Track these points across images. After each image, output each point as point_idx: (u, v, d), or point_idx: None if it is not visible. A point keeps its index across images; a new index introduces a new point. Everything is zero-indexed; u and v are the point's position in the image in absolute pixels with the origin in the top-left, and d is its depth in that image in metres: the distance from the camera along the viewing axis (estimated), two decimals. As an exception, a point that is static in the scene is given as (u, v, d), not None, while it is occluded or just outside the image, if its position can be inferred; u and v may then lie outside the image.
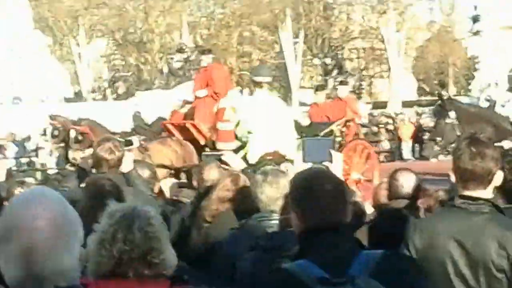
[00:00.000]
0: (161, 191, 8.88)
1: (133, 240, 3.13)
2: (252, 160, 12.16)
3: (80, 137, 15.50)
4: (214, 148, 14.68)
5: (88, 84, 47.65)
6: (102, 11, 58.45)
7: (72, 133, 15.54)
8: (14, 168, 23.70)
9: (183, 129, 15.31)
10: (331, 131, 16.46)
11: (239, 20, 61.10)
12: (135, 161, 7.12)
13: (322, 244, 3.42)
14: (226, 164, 6.93)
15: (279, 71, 56.71)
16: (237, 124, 12.74)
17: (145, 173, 7.52)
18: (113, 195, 5.39)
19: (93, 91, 44.11)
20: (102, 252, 3.10)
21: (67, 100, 42.25)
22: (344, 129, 17.27)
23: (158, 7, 59.24)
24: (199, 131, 15.05)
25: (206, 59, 16.18)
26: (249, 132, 12.38)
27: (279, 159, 12.05)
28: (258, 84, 12.98)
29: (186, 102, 16.22)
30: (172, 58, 43.71)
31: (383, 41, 56.62)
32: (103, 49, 60.26)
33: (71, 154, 15.45)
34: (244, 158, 12.33)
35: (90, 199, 5.45)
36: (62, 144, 15.70)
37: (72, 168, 14.36)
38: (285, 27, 52.97)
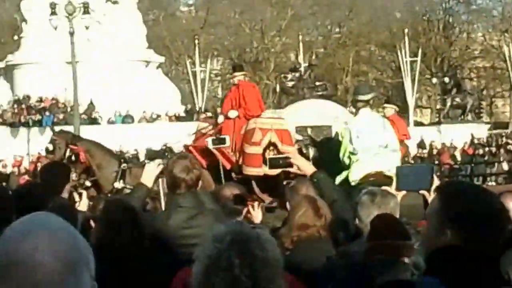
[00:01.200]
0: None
1: (248, 266, 2.79)
2: (354, 180, 11.72)
3: (73, 158, 14.74)
4: (240, 173, 13.57)
5: (202, 102, 48.26)
6: (218, 30, 59.35)
7: (68, 153, 14.87)
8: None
9: (207, 153, 13.90)
10: None
11: (356, 39, 60.81)
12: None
13: (463, 267, 3.06)
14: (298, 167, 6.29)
15: (396, 90, 56.01)
16: (340, 145, 12.32)
17: (235, 190, 7.21)
18: (127, 222, 5.30)
19: (206, 110, 44.49)
20: (213, 280, 2.79)
21: (179, 119, 42.80)
22: None
23: (274, 26, 59.65)
24: (224, 155, 13.77)
25: (239, 77, 14.96)
26: (351, 153, 11.96)
27: (382, 180, 11.01)
28: (362, 103, 12.48)
29: (213, 123, 15.09)
30: (285, 77, 43.55)
31: (505, 60, 55.04)
32: (218, 68, 61.21)
33: None
34: (346, 179, 11.81)
35: (103, 227, 5.45)
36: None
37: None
38: (404, 46, 52.15)
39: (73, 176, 13.64)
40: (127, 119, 41.56)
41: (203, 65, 50.56)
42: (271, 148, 13.72)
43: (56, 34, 40.95)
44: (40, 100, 42.58)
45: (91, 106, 42.05)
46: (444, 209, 3.22)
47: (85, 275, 2.20)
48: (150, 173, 6.54)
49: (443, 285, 2.97)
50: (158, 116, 42.51)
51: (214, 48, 57.79)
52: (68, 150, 14.85)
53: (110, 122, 41.45)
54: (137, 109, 42.30)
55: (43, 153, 29.65)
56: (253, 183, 13.16)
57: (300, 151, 15.71)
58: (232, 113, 14.35)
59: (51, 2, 40.14)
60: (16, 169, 35.36)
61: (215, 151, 13.72)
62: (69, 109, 40.99)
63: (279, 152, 13.35)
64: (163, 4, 61.81)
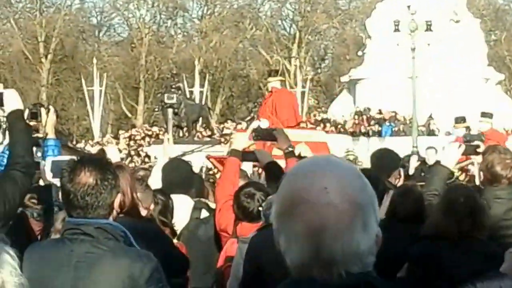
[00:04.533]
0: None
1: None
2: None
3: None
4: None
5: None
6: None
7: None
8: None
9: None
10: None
11: None
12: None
13: None
14: None
15: None
16: None
17: None
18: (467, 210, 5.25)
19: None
20: None
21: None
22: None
23: None
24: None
25: (273, 83, 14.01)
26: None
27: None
28: None
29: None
30: None
31: None
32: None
33: None
34: None
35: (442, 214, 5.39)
36: None
37: None
38: None
39: None
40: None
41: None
42: None
43: (398, 50, 42.28)
44: (380, 112, 44.00)
45: (430, 119, 42.81)
46: None
47: (372, 218, 2.17)
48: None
49: None
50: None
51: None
52: None
53: (447, 134, 41.92)
54: (474, 123, 42.44)
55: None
56: None
57: None
58: (263, 122, 13.30)
59: (395, 19, 41.56)
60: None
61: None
62: (408, 122, 41.99)
63: None
64: (506, 25, 61.53)
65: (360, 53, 51.63)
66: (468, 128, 16.32)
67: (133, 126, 58.51)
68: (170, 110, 36.41)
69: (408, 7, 41.14)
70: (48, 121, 5.91)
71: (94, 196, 3.92)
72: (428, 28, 41.32)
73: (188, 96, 46.57)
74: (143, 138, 42.45)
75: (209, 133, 42.42)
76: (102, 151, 7.66)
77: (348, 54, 63.51)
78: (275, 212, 2.17)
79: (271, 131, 6.99)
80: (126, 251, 3.93)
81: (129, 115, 66.16)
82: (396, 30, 41.93)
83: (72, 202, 3.96)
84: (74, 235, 3.92)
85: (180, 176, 7.44)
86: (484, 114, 16.76)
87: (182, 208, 6.83)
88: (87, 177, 3.93)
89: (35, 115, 5.75)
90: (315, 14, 66.50)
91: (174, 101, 36.81)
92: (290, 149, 7.00)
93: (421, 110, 40.02)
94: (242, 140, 6.87)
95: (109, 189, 3.97)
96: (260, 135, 6.85)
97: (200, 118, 41.79)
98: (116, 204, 4.05)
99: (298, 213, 2.12)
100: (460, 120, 17.46)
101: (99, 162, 4.08)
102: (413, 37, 39.65)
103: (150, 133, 44.39)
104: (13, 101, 5.19)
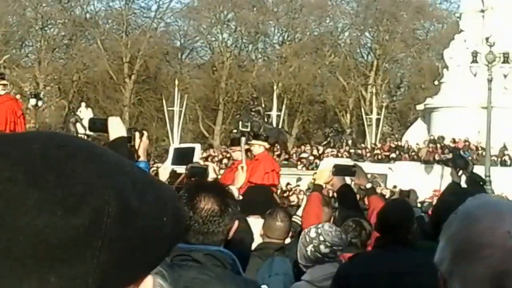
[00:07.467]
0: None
1: None
2: None
3: None
4: None
5: None
6: None
7: None
8: None
9: None
10: None
11: None
12: None
13: None
14: None
15: None
16: None
17: None
18: None
19: None
20: None
21: None
22: None
23: None
24: None
25: None
26: None
27: None
28: None
29: None
30: None
31: None
32: None
33: None
34: None
35: None
36: None
37: None
38: None
39: None
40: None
41: None
42: None
43: (474, 80, 42.93)
44: (454, 141, 44.63)
45: (503, 149, 43.31)
46: None
47: None
48: None
49: None
50: None
51: None
52: None
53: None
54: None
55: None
56: None
57: None
58: None
59: (473, 51, 42.28)
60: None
61: None
62: (481, 151, 42.57)
63: None
64: None
65: (436, 82, 52.24)
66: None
67: (211, 146, 60.00)
68: (243, 139, 37.65)
69: (487, 39, 41.76)
70: (141, 145, 5.88)
71: (217, 222, 3.93)
72: (505, 60, 41.93)
73: (265, 119, 47.83)
74: (220, 161, 43.46)
75: (285, 156, 43.59)
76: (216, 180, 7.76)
77: (424, 83, 64.33)
78: (450, 253, 2.06)
79: (351, 167, 7.46)
80: (232, 278, 3.87)
81: (207, 134, 67.67)
82: (474, 61, 42.61)
83: (193, 228, 3.92)
84: (183, 261, 3.85)
85: (258, 200, 7.91)
86: (256, 136, 15.38)
87: (256, 230, 6.99)
88: (211, 203, 3.94)
89: (129, 140, 5.67)
90: (393, 43, 67.49)
91: (248, 129, 37.97)
92: (369, 185, 7.60)
93: (495, 140, 40.55)
94: (324, 176, 7.57)
95: (230, 217, 3.99)
96: (340, 171, 7.36)
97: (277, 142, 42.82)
98: (231, 232, 4.05)
99: (480, 257, 2.02)
100: (236, 142, 14.47)
101: (222, 189, 4.15)
102: (490, 68, 40.20)
103: (228, 155, 45.53)
104: (118, 127, 5.38)
